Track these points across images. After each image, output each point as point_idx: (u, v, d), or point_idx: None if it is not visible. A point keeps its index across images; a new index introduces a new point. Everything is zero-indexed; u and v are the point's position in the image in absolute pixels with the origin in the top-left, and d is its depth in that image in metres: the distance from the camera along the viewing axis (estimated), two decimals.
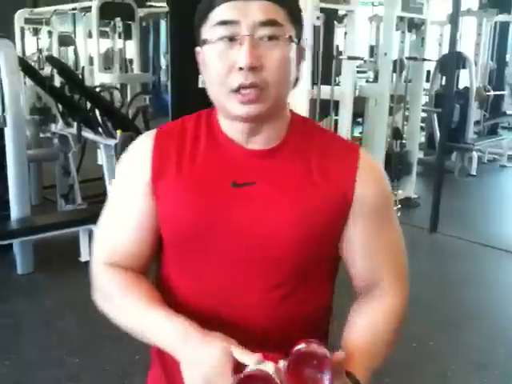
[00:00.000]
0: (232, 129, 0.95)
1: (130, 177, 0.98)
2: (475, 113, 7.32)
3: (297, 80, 0.95)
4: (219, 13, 0.87)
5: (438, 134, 6.62)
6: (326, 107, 4.82)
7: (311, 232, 0.93)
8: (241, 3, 0.86)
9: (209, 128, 0.98)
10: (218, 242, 0.94)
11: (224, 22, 0.86)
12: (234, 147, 0.96)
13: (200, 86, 4.05)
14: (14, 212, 3.83)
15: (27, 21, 8.72)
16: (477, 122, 7.55)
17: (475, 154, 7.07)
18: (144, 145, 0.98)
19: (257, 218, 0.93)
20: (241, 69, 0.86)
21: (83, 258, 3.97)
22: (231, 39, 0.86)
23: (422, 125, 6.85)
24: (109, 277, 0.97)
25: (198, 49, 0.93)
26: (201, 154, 0.96)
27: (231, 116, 0.92)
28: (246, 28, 0.85)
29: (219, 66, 0.88)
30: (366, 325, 0.98)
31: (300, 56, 0.94)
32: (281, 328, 0.97)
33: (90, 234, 3.94)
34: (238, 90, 0.87)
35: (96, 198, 4.73)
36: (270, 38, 0.87)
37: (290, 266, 0.95)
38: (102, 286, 0.99)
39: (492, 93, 7.74)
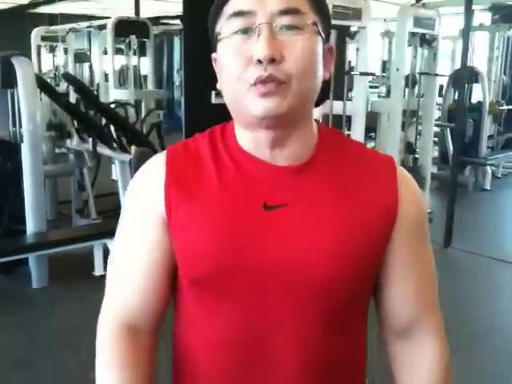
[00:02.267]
0: (254, 142, 0.84)
1: (141, 210, 0.87)
2: (489, 127, 7.30)
3: (328, 83, 0.86)
4: (233, 4, 0.79)
5: (451, 148, 6.61)
6: (339, 122, 4.84)
7: (357, 249, 0.82)
8: None
9: (226, 145, 0.87)
10: (251, 273, 0.81)
11: (239, 13, 0.78)
12: (259, 164, 0.84)
13: (213, 101, 4.05)
14: (30, 227, 3.88)
15: (44, 38, 8.86)
16: (490, 137, 7.52)
17: (489, 169, 7.04)
18: (155, 170, 0.87)
19: (294, 242, 0.81)
20: (259, 62, 0.76)
21: (97, 272, 4.01)
22: (247, 31, 0.77)
23: (435, 139, 6.83)
24: (110, 348, 0.89)
25: (213, 55, 0.85)
26: (222, 176, 0.84)
27: (251, 119, 0.80)
28: (263, 17, 0.76)
29: (235, 61, 0.78)
30: None
31: (329, 56, 0.85)
32: (319, 376, 0.87)
33: (105, 249, 3.98)
34: (256, 85, 0.77)
35: (110, 213, 4.77)
36: (291, 27, 0.77)
37: (334, 295, 0.83)
38: (100, 352, 0.91)
39: (505, 107, 7.72)
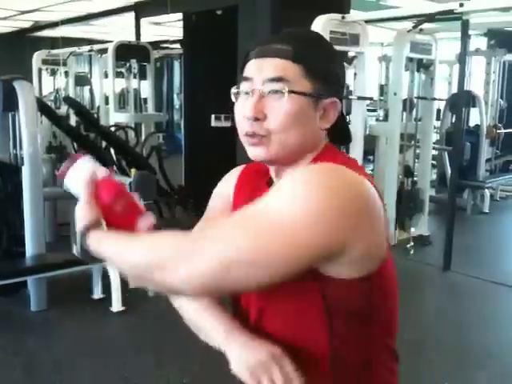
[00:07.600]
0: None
1: (222, 196, 1.18)
2: (486, 150, 7.33)
3: (328, 131, 1.02)
4: (246, 71, 1.01)
5: (449, 171, 6.63)
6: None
7: None
8: (259, 61, 0.98)
9: (259, 171, 1.12)
10: None
11: (245, 78, 1.00)
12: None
13: (213, 125, 4.11)
14: (29, 249, 3.87)
15: (45, 61, 8.95)
16: (488, 160, 7.56)
17: (487, 192, 7.06)
18: (232, 176, 1.19)
19: None
20: (248, 118, 0.98)
21: (96, 295, 3.99)
22: (248, 93, 0.99)
23: (434, 162, 6.87)
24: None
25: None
26: (255, 192, 1.06)
27: None
28: (257, 83, 0.98)
29: (238, 114, 1.01)
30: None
31: (329, 109, 1.00)
32: None
33: (103, 272, 3.96)
34: (246, 136, 1.00)
35: None
36: (276, 91, 0.96)
37: None
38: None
39: (503, 130, 7.77)
